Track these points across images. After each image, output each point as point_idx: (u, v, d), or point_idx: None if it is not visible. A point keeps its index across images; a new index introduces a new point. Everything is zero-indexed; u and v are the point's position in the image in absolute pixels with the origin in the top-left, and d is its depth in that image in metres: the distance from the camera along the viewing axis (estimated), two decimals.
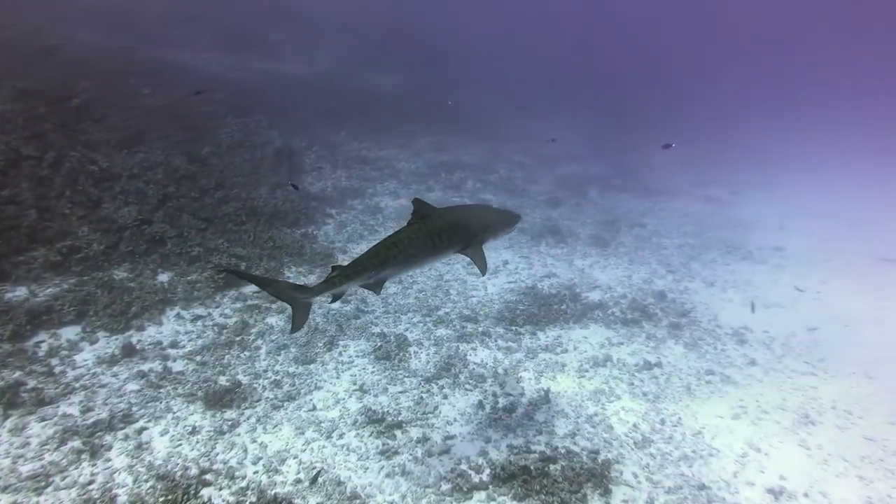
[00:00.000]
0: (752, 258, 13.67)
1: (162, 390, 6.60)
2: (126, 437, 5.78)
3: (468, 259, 5.32)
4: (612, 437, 6.38)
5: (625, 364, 8.04)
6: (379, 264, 4.80)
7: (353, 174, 15.35)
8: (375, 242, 4.95)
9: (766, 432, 6.65)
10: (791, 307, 10.72)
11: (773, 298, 11.05)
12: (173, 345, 7.54)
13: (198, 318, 8.24)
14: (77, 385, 6.51)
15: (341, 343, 8.07)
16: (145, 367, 6.98)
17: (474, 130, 23.12)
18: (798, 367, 8.32)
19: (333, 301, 5.33)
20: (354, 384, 7.14)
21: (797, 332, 9.54)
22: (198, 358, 7.34)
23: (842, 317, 10.30)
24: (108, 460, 5.44)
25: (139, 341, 7.46)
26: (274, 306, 8.84)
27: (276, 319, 8.48)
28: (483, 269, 5.26)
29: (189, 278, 9.04)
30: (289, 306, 5.07)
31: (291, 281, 9.22)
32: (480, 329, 8.75)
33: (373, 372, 7.45)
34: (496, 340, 8.48)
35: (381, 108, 21.60)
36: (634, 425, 6.64)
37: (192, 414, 6.28)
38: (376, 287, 5.03)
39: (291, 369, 7.36)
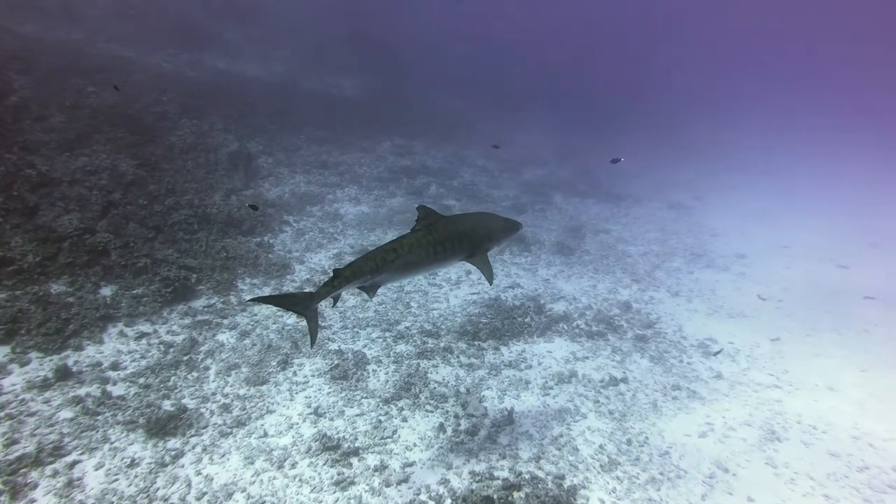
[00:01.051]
0: (716, 266, 13.75)
1: (99, 418, 6.09)
2: (55, 473, 5.27)
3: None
4: (578, 461, 6.17)
5: (590, 380, 7.85)
6: (375, 269, 4.75)
7: (312, 179, 14.85)
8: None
9: (734, 450, 6.54)
10: (755, 316, 10.75)
11: (737, 308, 11.08)
12: (114, 366, 7.00)
13: (142, 335, 7.71)
14: (1, 414, 5.95)
15: (296, 362, 7.66)
16: (82, 391, 6.44)
17: (439, 133, 22.83)
18: (763, 379, 8.29)
19: (333, 304, 5.37)
20: (309, 407, 6.76)
21: (761, 343, 9.55)
22: (141, 380, 6.84)
23: (804, 327, 10.38)
24: (33, 501, 4.94)
25: (76, 363, 6.91)
26: (225, 321, 8.38)
27: (228, 336, 8.02)
28: (490, 277, 5.26)
29: (134, 292, 8.47)
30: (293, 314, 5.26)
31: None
32: (442, 344, 8.45)
33: (329, 393, 7.07)
34: (458, 357, 8.19)
35: (343, 110, 21.12)
36: (601, 446, 6.45)
37: (132, 444, 5.81)
38: (370, 290, 5.02)
39: (242, 391, 6.93)
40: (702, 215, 19.25)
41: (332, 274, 4.76)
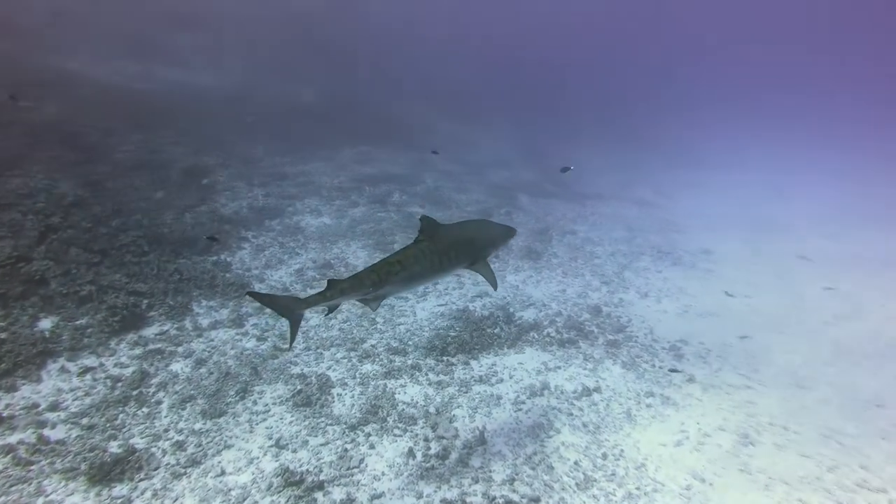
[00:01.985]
0: (683, 263, 13.78)
1: (34, 467, 5.59)
2: None
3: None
4: (553, 480, 5.94)
5: (563, 391, 7.64)
6: (379, 281, 4.74)
7: (270, 192, 14.34)
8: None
9: (709, 458, 6.40)
10: (723, 314, 10.75)
11: (706, 306, 11.07)
12: (53, 407, 6.48)
13: (87, 370, 7.19)
14: None
15: (256, 389, 7.25)
16: (13, 438, 5.92)
17: (402, 139, 22.51)
18: (735, 380, 8.22)
19: (328, 314, 5.85)
20: (270, 439, 6.36)
21: (731, 342, 9.52)
22: (84, 420, 6.34)
23: (770, 322, 10.41)
24: None
25: (8, 406, 6.37)
26: (180, 349, 7.92)
27: (182, 366, 7.56)
28: (494, 283, 5.38)
29: (77, 323, 7.93)
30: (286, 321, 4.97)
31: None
32: (409, 362, 8.13)
33: (291, 422, 6.69)
34: (427, 374, 7.88)
35: (302, 119, 20.62)
36: (576, 463, 6.23)
37: (72, 495, 5.33)
38: (373, 303, 5.02)
39: (198, 426, 6.49)
40: (666, 211, 19.42)
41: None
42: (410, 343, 8.71)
